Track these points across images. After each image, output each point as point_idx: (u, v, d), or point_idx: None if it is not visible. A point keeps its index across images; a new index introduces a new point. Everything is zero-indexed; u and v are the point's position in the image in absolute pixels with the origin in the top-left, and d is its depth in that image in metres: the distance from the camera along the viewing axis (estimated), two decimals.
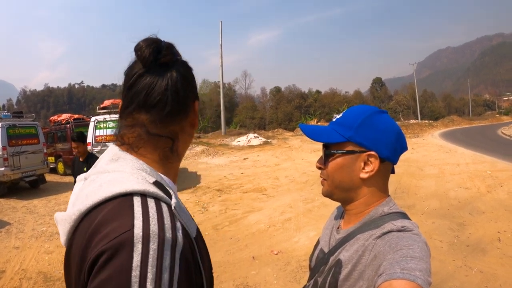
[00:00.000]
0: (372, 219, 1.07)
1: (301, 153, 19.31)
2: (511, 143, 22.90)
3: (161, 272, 0.62)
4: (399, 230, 0.96)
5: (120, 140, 0.85)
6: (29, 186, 12.66)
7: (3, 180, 11.16)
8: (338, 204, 1.25)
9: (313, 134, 1.14)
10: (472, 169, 12.06)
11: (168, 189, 0.77)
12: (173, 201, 0.74)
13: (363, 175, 1.06)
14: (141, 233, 0.64)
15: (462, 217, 7.06)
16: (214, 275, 4.18)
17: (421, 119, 61.72)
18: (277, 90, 79.69)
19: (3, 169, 11.02)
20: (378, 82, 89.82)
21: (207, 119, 51.53)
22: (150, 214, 0.67)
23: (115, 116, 10.68)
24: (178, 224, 0.70)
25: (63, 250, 0.85)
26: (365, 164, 1.06)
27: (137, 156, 0.81)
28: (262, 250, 5.65)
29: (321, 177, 1.17)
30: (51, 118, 18.73)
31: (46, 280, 5.14)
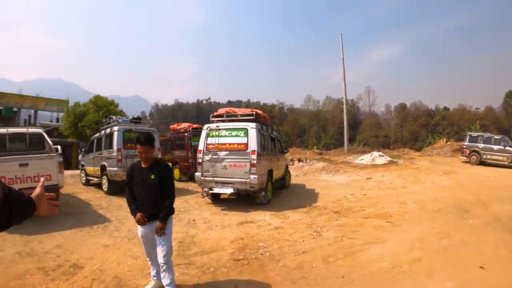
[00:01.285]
0: None
1: (430, 176, 17.09)
2: None
3: None
4: None
5: None
6: None
7: (115, 180, 11.87)
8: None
9: None
10: None
11: None
12: None
13: None
14: None
15: None
16: None
17: None
18: (402, 107, 74.78)
19: (116, 169, 11.72)
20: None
21: (329, 136, 49.98)
22: None
23: (228, 124, 10.35)
24: None
25: None
26: None
27: None
28: None
29: None
30: (171, 126, 19.41)
31: (118, 287, 4.78)
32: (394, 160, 23.84)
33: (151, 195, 4.18)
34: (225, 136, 10.08)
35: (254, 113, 10.53)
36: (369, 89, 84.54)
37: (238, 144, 9.85)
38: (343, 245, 6.43)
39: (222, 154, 9.97)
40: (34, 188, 7.97)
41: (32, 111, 41.30)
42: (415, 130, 64.07)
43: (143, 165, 4.27)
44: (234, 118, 10.62)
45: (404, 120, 68.15)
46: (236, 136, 9.95)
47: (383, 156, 24.13)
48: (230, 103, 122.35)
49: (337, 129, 65.17)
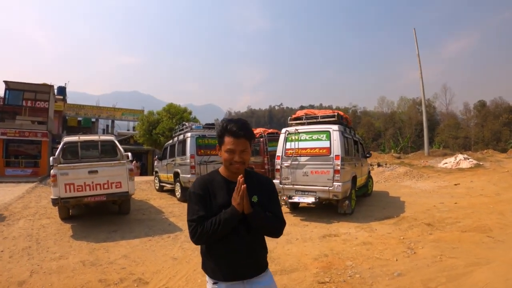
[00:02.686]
0: None
1: None
2: None
3: None
4: None
5: None
6: None
7: (188, 186, 11.54)
8: None
9: None
10: None
11: None
12: None
13: None
14: None
15: None
16: None
17: None
18: (482, 104, 70.56)
19: (189, 176, 11.55)
20: None
21: (407, 138, 47.73)
22: None
23: (308, 127, 9.63)
24: None
25: None
26: None
27: None
28: None
29: None
30: None
31: None
32: (481, 163, 21.99)
33: (251, 232, 2.25)
34: (305, 140, 9.39)
35: (336, 114, 9.73)
36: (445, 87, 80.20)
37: (320, 148, 9.09)
38: (444, 266, 5.38)
39: (302, 159, 9.27)
40: (103, 195, 7.26)
41: (110, 121, 43.50)
42: (497, 129, 60.55)
43: (230, 179, 2.27)
44: (315, 120, 9.86)
45: (484, 119, 64.57)
46: (318, 139, 9.20)
47: (468, 159, 22.38)
48: (302, 108, 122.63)
49: (414, 131, 63.10)
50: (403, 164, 22.26)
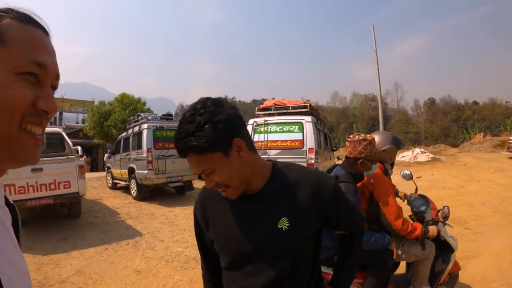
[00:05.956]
0: None
1: (482, 173, 15.67)
2: None
3: None
4: None
5: None
6: (174, 192, 12.38)
7: (145, 184, 10.79)
8: None
9: None
10: None
11: None
12: None
13: None
14: None
15: None
16: None
17: None
18: (431, 102, 73.32)
19: (146, 172, 10.56)
20: None
21: (362, 132, 48.26)
22: None
23: (279, 118, 9.10)
24: None
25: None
26: None
27: None
28: None
29: None
30: None
31: None
32: (437, 157, 22.52)
33: (276, 275, 1.26)
34: (275, 132, 8.85)
35: (308, 104, 9.20)
36: (397, 85, 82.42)
37: (292, 141, 8.55)
38: None
39: (272, 153, 8.70)
40: (50, 197, 5.88)
41: (57, 113, 41.16)
42: (446, 125, 62.82)
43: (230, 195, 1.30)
44: (285, 111, 9.31)
45: (434, 116, 66.88)
46: (289, 131, 8.65)
47: (425, 152, 22.99)
48: (255, 102, 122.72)
49: (366, 125, 64.13)
50: None
